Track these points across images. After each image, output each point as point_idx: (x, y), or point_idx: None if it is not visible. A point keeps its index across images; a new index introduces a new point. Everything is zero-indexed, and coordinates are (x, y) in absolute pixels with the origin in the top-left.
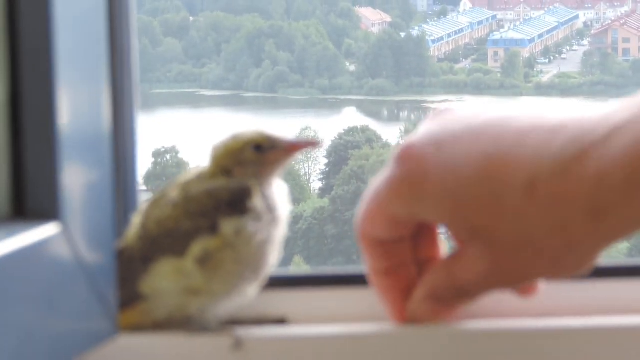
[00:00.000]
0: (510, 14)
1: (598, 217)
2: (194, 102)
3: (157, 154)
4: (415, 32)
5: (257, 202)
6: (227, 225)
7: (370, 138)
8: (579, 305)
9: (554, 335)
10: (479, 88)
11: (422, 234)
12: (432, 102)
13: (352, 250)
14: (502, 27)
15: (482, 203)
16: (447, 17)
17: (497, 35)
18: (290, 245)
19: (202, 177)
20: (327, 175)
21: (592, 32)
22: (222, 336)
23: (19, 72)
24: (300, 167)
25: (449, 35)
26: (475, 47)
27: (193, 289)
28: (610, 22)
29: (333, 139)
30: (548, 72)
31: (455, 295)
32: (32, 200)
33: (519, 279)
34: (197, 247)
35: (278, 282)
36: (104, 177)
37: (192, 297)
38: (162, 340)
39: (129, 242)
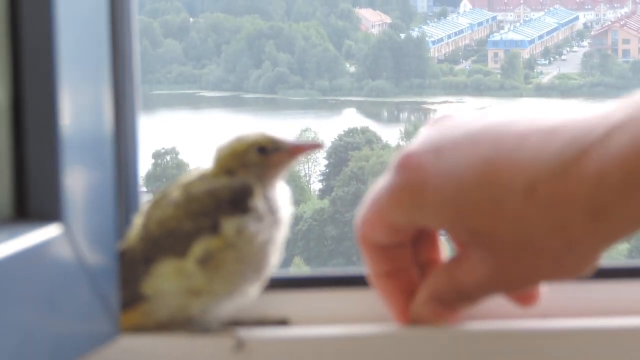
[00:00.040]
0: (510, 15)
1: (598, 217)
2: (194, 103)
3: (157, 155)
4: (415, 33)
5: (258, 201)
6: (229, 225)
7: (370, 139)
8: (579, 307)
9: (555, 336)
10: (478, 89)
11: (423, 237)
12: (432, 103)
13: (352, 251)
14: (502, 28)
15: (483, 207)
16: (447, 18)
17: (497, 37)
18: (290, 247)
19: (204, 177)
20: (327, 177)
21: (592, 33)
22: (223, 337)
23: (21, 74)
24: (300, 168)
25: (449, 37)
26: (475, 48)
27: (194, 289)
28: (610, 23)
29: (333, 140)
30: (548, 73)
31: (457, 298)
32: (34, 202)
33: (521, 282)
34: (199, 248)
35: (280, 283)
36: (106, 179)
37: (194, 298)
38: (163, 341)
39: (131, 243)
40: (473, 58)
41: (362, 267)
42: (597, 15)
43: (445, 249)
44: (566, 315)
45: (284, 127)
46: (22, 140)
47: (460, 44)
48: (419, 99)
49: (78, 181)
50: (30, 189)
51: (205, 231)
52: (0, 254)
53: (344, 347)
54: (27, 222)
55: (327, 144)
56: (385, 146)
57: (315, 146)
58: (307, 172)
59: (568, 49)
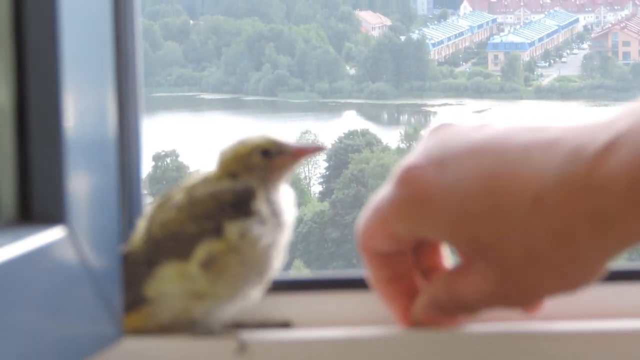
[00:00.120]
0: (511, 18)
1: (604, 227)
2: (194, 105)
3: (157, 158)
4: (415, 35)
5: (261, 204)
6: (232, 228)
7: (370, 141)
8: (581, 309)
9: (557, 339)
10: (479, 91)
11: (425, 244)
12: (432, 105)
13: (352, 254)
14: (502, 30)
15: (489, 220)
16: (447, 20)
17: (497, 39)
18: (290, 249)
19: (207, 180)
20: (327, 179)
21: (592, 35)
22: (226, 339)
23: (25, 76)
24: (301, 170)
25: (449, 39)
26: (475, 50)
27: (197, 292)
28: (610, 25)
29: (333, 142)
30: (548, 76)
31: (456, 307)
32: (37, 204)
33: (524, 297)
34: (202, 251)
35: (282, 286)
36: (110, 181)
37: (197, 301)
38: (166, 344)
39: (134, 246)
40: (473, 60)
41: (363, 270)
42: (597, 17)
43: (448, 255)
44: (568, 318)
45: (284, 130)
46: (26, 142)
47: (460, 47)
48: (419, 102)
49: (82, 183)
50: (34, 192)
51: (208, 234)
52: (4, 257)
53: (346, 349)
54: (30, 224)
55: (327, 146)
56: (386, 148)
57: (318, 149)
58: (307, 174)
59: (568, 51)
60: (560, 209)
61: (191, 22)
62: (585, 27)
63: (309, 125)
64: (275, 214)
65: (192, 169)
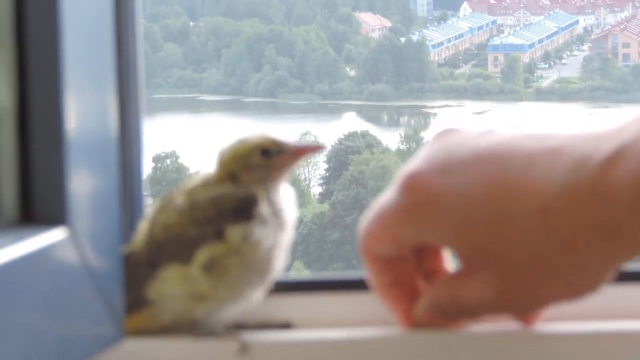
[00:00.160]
0: (510, 19)
1: (611, 235)
2: (194, 107)
3: (157, 159)
4: (415, 37)
5: (263, 208)
6: (234, 232)
7: (370, 143)
8: (583, 310)
9: (559, 340)
10: (478, 93)
11: (427, 248)
12: (432, 107)
13: (352, 255)
14: (502, 32)
15: (494, 228)
16: (447, 22)
17: (497, 41)
18: (290, 250)
19: (208, 182)
20: (327, 180)
21: (592, 37)
22: (227, 340)
23: (27, 77)
24: (300, 172)
25: (449, 40)
26: (475, 52)
27: (199, 294)
28: (610, 27)
29: (333, 144)
30: (548, 77)
31: (457, 311)
32: (39, 205)
33: (527, 304)
34: (203, 254)
35: (283, 287)
36: (111, 182)
37: (198, 303)
38: (168, 345)
39: (136, 247)
40: (473, 62)
41: (363, 271)
42: (597, 19)
43: (450, 259)
44: (571, 319)
45: (284, 131)
46: (28, 143)
47: (460, 48)
48: (419, 103)
49: (83, 184)
50: (36, 193)
51: (209, 238)
52: (5, 258)
53: (346, 350)
54: (32, 225)
55: (327, 147)
56: (385, 150)
57: (317, 148)
58: (307, 176)
59: (568, 52)
60: (566, 216)
61: (191, 23)
62: (585, 28)
63: (309, 126)
64: (276, 214)
65: (192, 170)
